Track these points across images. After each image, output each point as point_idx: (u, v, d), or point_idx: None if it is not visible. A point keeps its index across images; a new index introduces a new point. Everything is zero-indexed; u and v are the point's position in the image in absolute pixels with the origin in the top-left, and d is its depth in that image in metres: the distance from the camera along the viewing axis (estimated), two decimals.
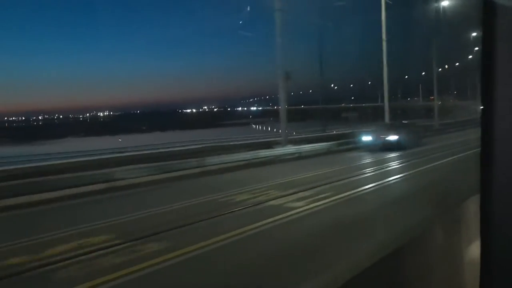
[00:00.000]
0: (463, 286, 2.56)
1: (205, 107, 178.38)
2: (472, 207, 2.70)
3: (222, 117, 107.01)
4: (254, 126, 72.67)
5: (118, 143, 32.46)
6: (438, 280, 2.54)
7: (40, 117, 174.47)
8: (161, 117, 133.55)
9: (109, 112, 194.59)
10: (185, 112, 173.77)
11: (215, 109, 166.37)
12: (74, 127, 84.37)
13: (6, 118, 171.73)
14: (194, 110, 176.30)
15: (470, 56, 50.37)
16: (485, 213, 1.51)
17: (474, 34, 43.02)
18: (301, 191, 9.13)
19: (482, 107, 1.46)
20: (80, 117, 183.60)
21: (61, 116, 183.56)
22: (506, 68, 1.38)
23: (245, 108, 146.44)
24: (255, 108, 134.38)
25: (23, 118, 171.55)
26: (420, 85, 64.87)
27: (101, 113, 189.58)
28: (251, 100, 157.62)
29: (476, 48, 48.77)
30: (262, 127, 63.21)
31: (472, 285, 2.13)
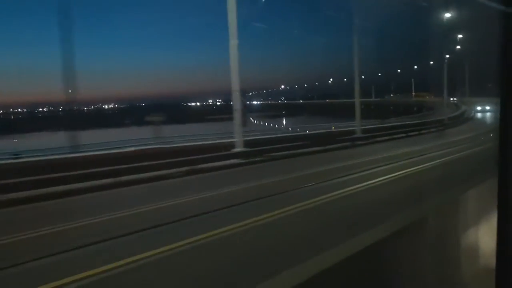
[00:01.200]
0: (458, 272, 2.68)
1: (210, 101, 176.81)
2: (471, 199, 3.11)
3: (220, 111, 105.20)
4: (252, 120, 71.54)
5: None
6: (433, 267, 2.56)
7: (45, 109, 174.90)
8: (160, 110, 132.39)
9: (115, 104, 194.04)
10: (189, 105, 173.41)
11: (217, 103, 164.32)
12: (64, 120, 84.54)
13: (11, 109, 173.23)
14: (198, 104, 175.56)
15: (458, 47, 46.20)
16: (503, 214, 1.50)
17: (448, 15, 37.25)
18: None
19: (501, 106, 1.46)
20: (85, 109, 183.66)
21: (66, 109, 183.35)
22: None
23: (248, 102, 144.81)
24: (255, 102, 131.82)
25: (26, 110, 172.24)
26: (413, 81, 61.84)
27: (106, 106, 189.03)
28: (249, 94, 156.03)
29: (461, 36, 45.51)
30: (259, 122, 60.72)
31: (468, 270, 2.61)
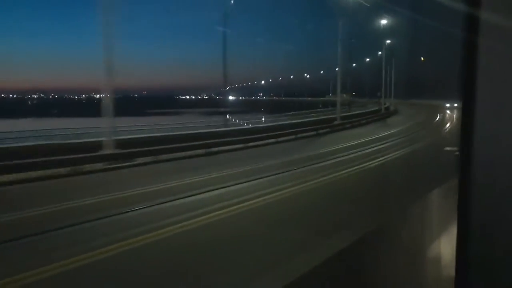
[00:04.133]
0: (425, 279, 2.67)
1: (204, 95, 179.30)
2: (435, 201, 3.11)
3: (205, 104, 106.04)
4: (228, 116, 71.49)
5: None
6: (400, 273, 2.57)
7: (35, 96, 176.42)
8: (144, 102, 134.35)
9: (107, 94, 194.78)
10: (181, 98, 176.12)
11: (205, 97, 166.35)
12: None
13: (2, 95, 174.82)
14: (188, 97, 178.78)
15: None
16: (462, 212, 1.48)
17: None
18: None
19: (462, 107, 1.47)
20: (75, 98, 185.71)
21: (56, 96, 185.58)
22: (487, 70, 1.38)
23: (230, 97, 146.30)
24: (233, 98, 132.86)
25: (14, 96, 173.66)
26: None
27: (98, 95, 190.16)
28: (227, 88, 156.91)
29: (380, 54, 47.72)
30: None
31: (435, 278, 2.48)
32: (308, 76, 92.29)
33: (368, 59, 60.57)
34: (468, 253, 1.49)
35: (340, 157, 15.60)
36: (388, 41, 47.18)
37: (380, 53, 51.34)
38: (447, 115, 38.27)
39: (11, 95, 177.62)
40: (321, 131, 25.01)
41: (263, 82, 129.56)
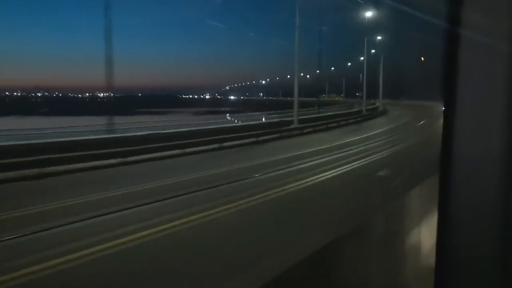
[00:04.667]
0: (402, 275, 2.73)
1: (206, 94, 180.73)
2: (413, 198, 3.14)
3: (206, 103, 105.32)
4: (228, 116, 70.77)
5: None
6: (378, 269, 2.61)
7: (39, 94, 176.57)
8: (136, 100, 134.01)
9: (110, 93, 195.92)
10: (184, 97, 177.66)
11: (207, 97, 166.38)
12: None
13: (7, 93, 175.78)
14: (190, 96, 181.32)
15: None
16: (442, 212, 1.52)
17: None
18: None
19: (444, 106, 1.48)
20: (79, 96, 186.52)
21: (60, 95, 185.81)
22: (468, 71, 1.40)
23: (232, 97, 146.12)
24: (234, 97, 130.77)
25: (18, 94, 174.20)
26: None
27: (101, 94, 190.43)
28: (227, 88, 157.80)
29: (373, 51, 46.32)
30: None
31: (413, 273, 2.60)
32: (308, 76, 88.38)
33: (362, 58, 55.82)
34: (447, 244, 1.49)
35: (244, 179, 10.97)
36: (379, 38, 42.62)
37: (373, 51, 47.02)
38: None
39: (15, 93, 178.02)
40: (264, 137, 20.16)
41: (263, 82, 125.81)
